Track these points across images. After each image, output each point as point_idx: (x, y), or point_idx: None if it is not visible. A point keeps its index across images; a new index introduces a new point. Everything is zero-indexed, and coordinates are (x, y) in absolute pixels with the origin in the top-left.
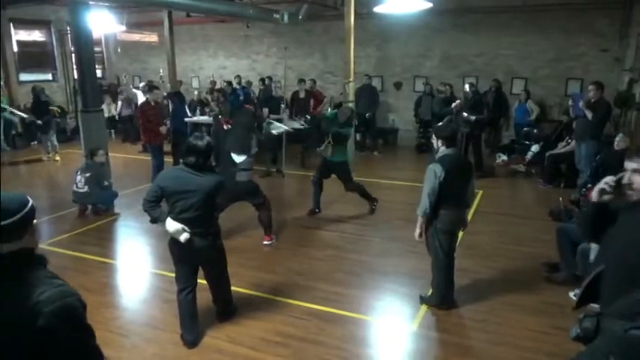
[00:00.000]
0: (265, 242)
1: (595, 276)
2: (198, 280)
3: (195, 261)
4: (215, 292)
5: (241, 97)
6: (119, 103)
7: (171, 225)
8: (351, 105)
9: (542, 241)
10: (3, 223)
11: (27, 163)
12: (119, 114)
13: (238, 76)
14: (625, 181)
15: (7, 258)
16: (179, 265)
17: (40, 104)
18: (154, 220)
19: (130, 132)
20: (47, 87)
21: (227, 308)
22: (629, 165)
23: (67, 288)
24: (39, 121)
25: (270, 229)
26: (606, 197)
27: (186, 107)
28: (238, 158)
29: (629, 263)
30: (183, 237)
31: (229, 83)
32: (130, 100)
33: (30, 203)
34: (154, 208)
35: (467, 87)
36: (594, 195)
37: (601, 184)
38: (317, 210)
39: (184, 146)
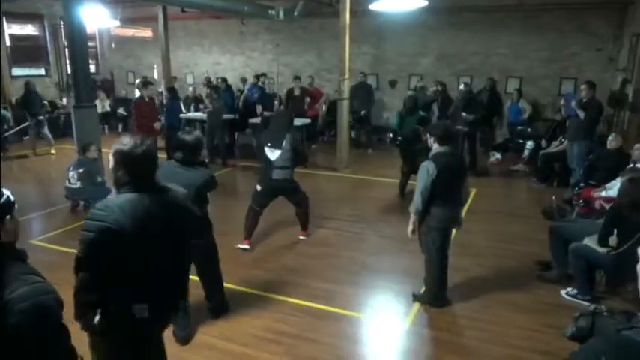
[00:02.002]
0: (300, 237)
1: None
2: (190, 277)
3: None
4: (207, 289)
5: (256, 95)
6: None
7: None
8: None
9: (534, 239)
10: None
11: (18, 159)
12: None
13: (263, 74)
14: None
15: None
16: None
17: (34, 99)
18: None
19: None
20: (40, 81)
21: (219, 305)
22: None
23: (44, 285)
24: (27, 123)
25: (307, 225)
26: None
27: (181, 103)
28: (272, 155)
29: None
30: None
31: (224, 80)
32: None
33: (4, 197)
34: None
35: (462, 86)
36: None
37: None
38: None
39: (173, 142)
